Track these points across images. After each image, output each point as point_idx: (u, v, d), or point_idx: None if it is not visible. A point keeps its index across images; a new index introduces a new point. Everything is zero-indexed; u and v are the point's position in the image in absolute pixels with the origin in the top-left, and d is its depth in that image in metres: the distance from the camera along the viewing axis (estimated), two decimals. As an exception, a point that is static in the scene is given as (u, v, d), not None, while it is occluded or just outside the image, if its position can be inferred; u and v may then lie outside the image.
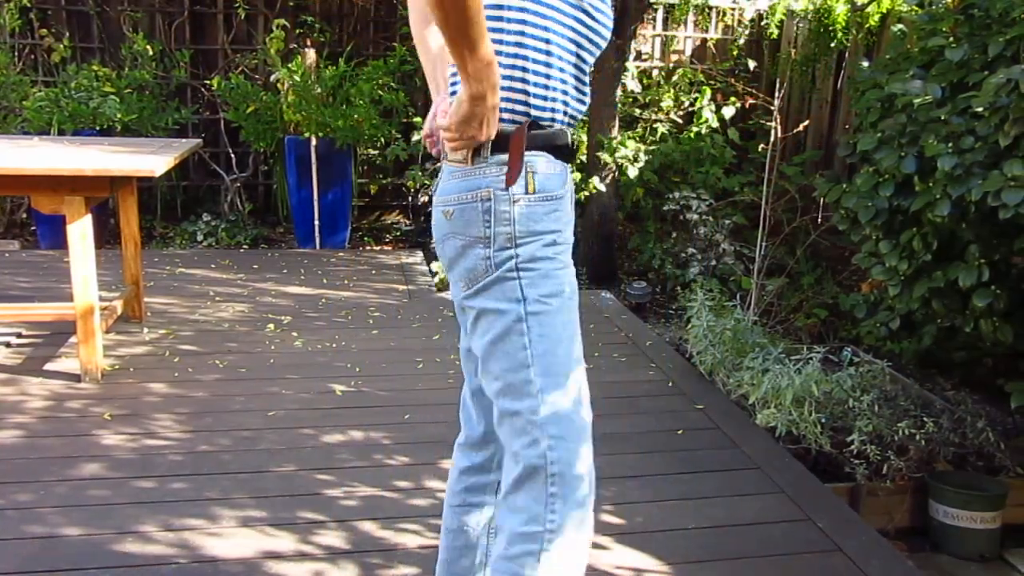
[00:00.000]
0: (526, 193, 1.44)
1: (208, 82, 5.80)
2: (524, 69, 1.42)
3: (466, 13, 1.22)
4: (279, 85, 5.50)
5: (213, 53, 6.03)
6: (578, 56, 1.48)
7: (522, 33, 1.41)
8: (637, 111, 5.81)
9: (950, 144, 2.78)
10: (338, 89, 5.50)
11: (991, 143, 2.68)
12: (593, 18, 1.47)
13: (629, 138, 5.27)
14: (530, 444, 1.45)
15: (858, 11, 5.62)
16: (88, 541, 2.21)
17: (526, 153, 1.43)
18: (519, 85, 1.43)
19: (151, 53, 5.64)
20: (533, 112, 1.44)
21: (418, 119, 5.38)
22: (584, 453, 1.48)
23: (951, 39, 3.02)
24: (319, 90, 5.39)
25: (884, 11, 5.54)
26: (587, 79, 1.53)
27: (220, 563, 2.14)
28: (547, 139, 1.46)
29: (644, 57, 6.26)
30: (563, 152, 1.50)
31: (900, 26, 4.29)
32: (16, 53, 5.64)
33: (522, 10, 1.40)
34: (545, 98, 1.45)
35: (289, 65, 5.38)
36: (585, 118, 4.96)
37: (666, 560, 2.22)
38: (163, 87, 5.83)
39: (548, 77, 1.44)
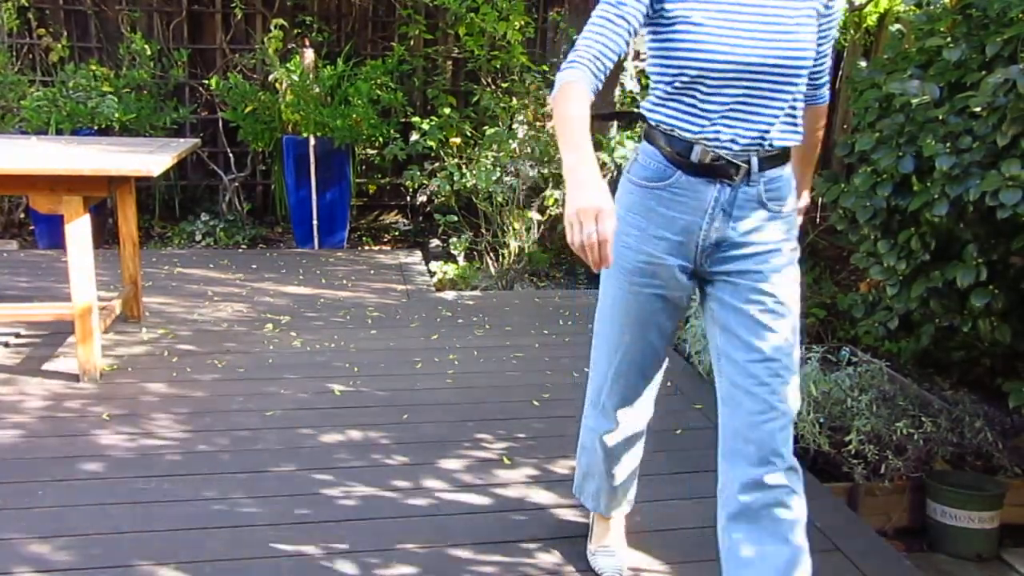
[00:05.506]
0: None
1: (206, 82, 5.80)
2: None
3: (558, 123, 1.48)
4: (277, 85, 5.50)
5: (211, 53, 6.03)
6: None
7: None
8: (636, 111, 5.81)
9: (948, 144, 2.79)
10: (336, 89, 5.50)
11: (989, 143, 2.69)
12: None
13: (628, 138, 5.27)
14: None
15: (856, 11, 5.61)
16: (86, 541, 2.21)
17: None
18: None
19: (149, 53, 5.64)
20: None
21: (416, 119, 5.38)
22: None
23: (949, 39, 3.02)
24: (317, 90, 5.39)
25: (882, 11, 5.53)
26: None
27: (218, 563, 2.14)
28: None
29: (643, 57, 6.26)
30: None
31: (898, 26, 4.29)
32: (14, 53, 5.64)
33: None
34: None
35: (287, 65, 5.38)
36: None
37: (665, 560, 2.22)
38: (161, 87, 5.82)
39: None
